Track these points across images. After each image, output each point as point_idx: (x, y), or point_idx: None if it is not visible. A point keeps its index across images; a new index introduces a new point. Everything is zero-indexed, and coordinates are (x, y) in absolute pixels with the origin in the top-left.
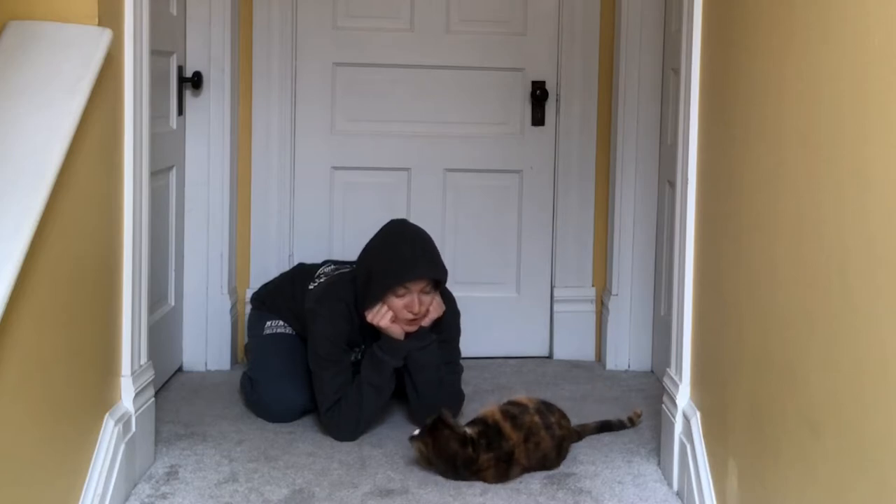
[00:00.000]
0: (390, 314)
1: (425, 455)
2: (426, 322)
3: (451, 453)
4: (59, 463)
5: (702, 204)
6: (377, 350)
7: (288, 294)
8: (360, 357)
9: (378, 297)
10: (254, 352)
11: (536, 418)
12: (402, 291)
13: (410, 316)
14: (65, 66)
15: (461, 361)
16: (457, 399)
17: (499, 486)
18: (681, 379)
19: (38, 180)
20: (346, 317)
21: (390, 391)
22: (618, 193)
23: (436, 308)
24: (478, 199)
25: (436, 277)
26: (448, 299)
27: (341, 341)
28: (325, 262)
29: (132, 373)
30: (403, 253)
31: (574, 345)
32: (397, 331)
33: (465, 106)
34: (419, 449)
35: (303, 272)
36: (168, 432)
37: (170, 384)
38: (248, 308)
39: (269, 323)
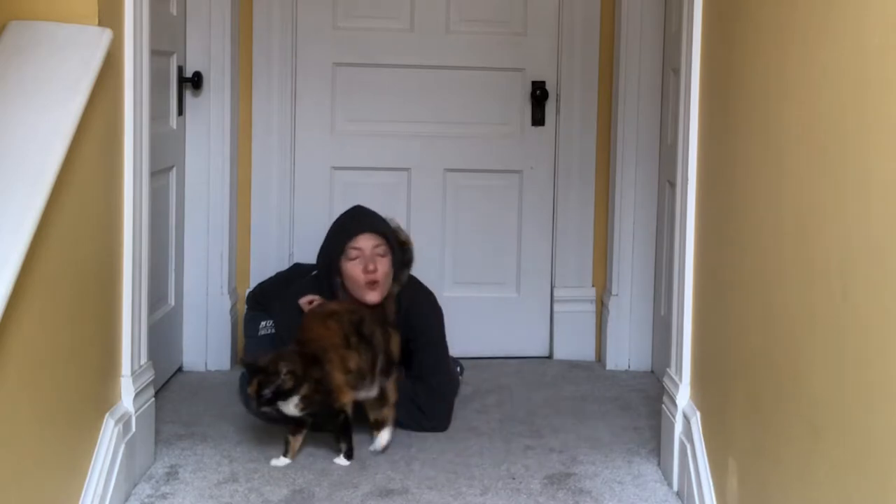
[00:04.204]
0: None
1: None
2: (382, 287)
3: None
4: (59, 463)
5: (702, 204)
6: None
7: (282, 294)
8: None
9: (335, 266)
10: (249, 352)
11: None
12: (354, 254)
13: (369, 278)
14: (65, 65)
15: (461, 361)
16: (440, 402)
17: (499, 485)
18: (681, 379)
19: (39, 180)
20: (300, 314)
21: None
22: (618, 193)
23: (384, 271)
24: (478, 199)
25: (375, 230)
26: (426, 296)
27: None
28: None
29: (132, 373)
30: (345, 221)
31: (574, 345)
32: None
33: (465, 106)
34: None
35: (298, 273)
36: (168, 432)
37: (170, 384)
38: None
39: (263, 323)
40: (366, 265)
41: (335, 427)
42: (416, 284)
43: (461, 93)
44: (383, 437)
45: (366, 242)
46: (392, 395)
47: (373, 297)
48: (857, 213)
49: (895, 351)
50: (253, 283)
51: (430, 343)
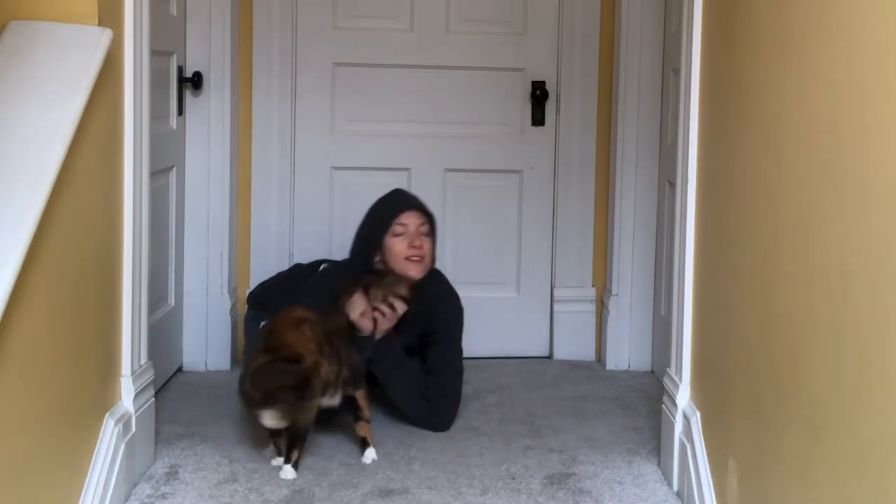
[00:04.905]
0: (361, 307)
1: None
2: (425, 265)
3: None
4: (59, 463)
5: (702, 204)
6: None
7: (283, 293)
8: None
9: (377, 243)
10: (250, 353)
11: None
12: (399, 230)
13: (414, 252)
14: (65, 65)
15: (464, 361)
16: (446, 401)
17: (499, 485)
18: (681, 379)
19: (39, 180)
20: (330, 298)
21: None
22: (618, 193)
23: (428, 249)
24: (478, 199)
25: (422, 209)
26: (450, 295)
27: None
28: (323, 261)
29: (132, 373)
30: (389, 200)
31: (574, 345)
32: (365, 325)
33: (465, 106)
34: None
35: (299, 272)
36: (168, 432)
37: (170, 384)
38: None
39: (263, 324)
40: (411, 241)
41: (294, 433)
42: (442, 282)
43: (461, 93)
44: (370, 454)
45: (411, 219)
46: (366, 411)
47: (415, 271)
48: (857, 213)
49: (895, 351)
50: (253, 283)
51: (447, 341)
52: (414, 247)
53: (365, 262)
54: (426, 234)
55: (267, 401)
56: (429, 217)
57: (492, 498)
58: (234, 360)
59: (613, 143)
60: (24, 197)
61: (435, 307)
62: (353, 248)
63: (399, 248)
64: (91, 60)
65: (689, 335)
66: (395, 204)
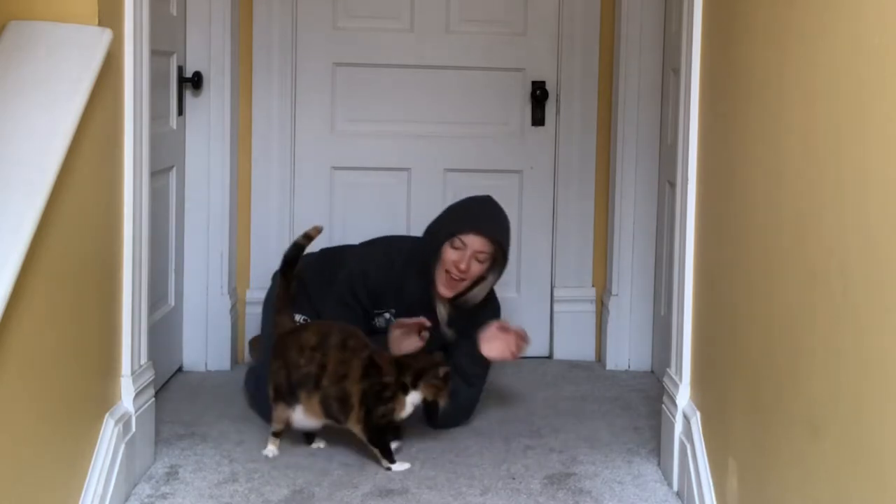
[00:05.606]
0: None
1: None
2: (460, 286)
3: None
4: (59, 463)
5: (702, 204)
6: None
7: (317, 272)
8: (385, 324)
9: (437, 246)
10: (268, 344)
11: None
12: (458, 244)
13: (455, 272)
14: (65, 65)
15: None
16: (459, 405)
17: (499, 485)
18: (681, 379)
19: (39, 180)
20: (381, 267)
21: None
22: (618, 193)
23: (473, 275)
24: None
25: (492, 236)
26: (493, 307)
27: (363, 289)
28: (347, 247)
29: (132, 373)
30: (472, 208)
31: (574, 345)
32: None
33: (465, 106)
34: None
35: (330, 256)
36: (168, 432)
37: (170, 384)
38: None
39: (297, 318)
40: (459, 262)
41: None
42: (489, 293)
43: (461, 93)
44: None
45: (473, 242)
46: None
47: (446, 287)
48: (856, 212)
49: (894, 350)
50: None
51: (475, 343)
52: (459, 269)
53: (426, 260)
54: (481, 262)
55: (417, 379)
56: (497, 244)
57: (492, 498)
58: (234, 360)
59: (613, 143)
60: (24, 197)
61: (476, 314)
62: (424, 235)
63: (447, 258)
64: (91, 60)
65: (689, 335)
66: (468, 219)
